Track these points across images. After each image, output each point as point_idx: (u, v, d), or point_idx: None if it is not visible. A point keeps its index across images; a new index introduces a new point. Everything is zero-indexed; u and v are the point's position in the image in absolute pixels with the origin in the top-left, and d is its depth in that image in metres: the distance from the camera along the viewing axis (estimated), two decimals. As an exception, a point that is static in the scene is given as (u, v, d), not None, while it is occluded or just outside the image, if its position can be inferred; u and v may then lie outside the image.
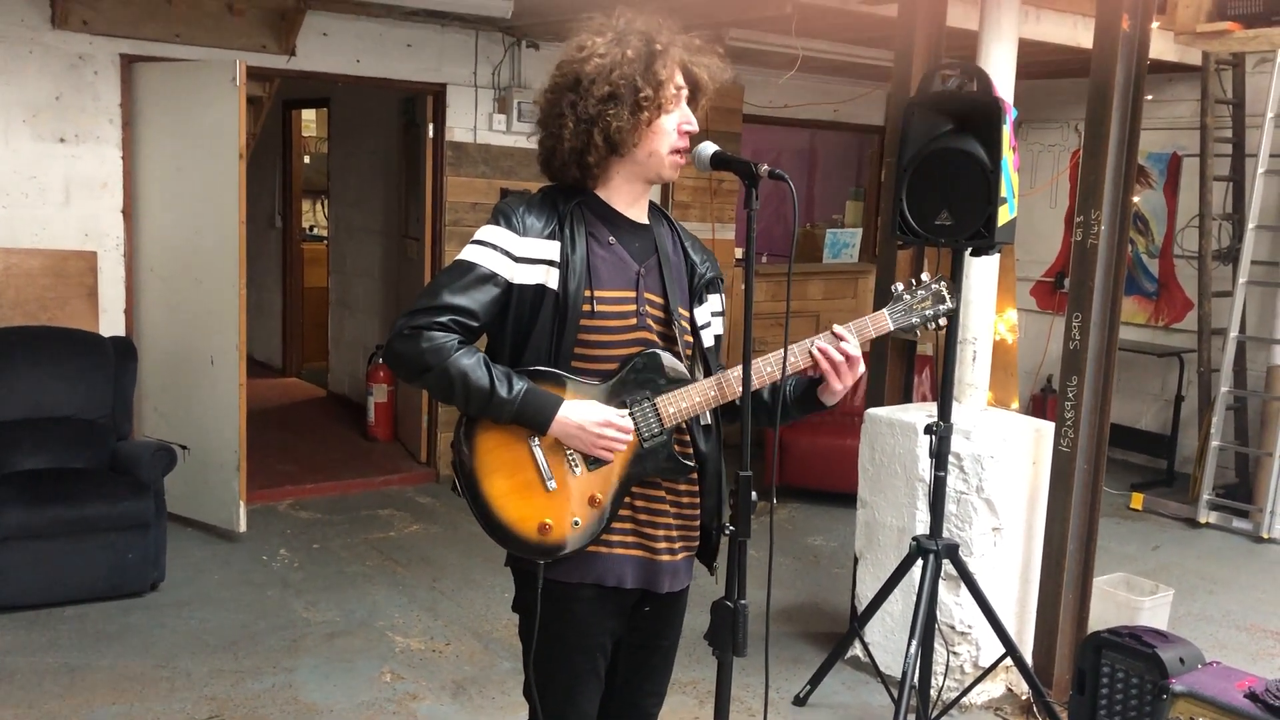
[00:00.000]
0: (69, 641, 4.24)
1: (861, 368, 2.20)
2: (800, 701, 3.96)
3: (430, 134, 6.54)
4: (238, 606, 4.66)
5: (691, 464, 2.19)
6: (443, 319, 2.06)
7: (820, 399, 2.25)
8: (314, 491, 6.34)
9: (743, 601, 2.07)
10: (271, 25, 5.83)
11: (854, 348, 2.17)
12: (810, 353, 2.17)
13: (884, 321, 2.27)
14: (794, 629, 4.65)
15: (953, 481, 3.88)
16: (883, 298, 4.06)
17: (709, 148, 2.12)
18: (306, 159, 10.29)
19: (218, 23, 5.67)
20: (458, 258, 2.13)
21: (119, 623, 4.43)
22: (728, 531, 2.08)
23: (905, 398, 4.43)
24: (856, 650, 4.13)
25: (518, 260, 2.10)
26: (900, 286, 2.30)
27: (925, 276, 2.32)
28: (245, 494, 5.42)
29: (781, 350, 2.13)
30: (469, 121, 6.54)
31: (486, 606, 4.78)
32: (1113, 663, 3.27)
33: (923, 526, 4.01)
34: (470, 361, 2.05)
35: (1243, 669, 3.21)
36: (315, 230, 10.55)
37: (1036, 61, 6.01)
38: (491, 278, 2.09)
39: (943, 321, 2.32)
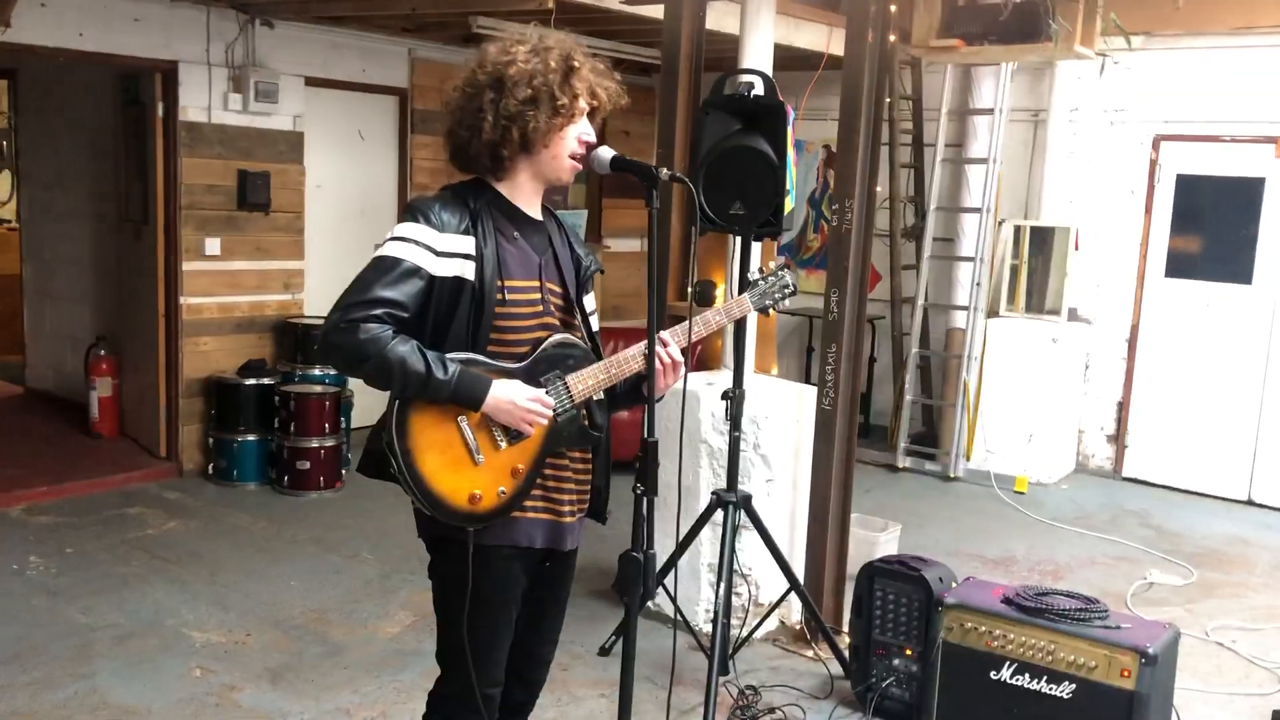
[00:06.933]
0: None
1: (682, 370, 2.47)
2: (605, 652, 4.31)
3: (160, 113, 6.25)
4: (4, 619, 4.38)
5: (598, 434, 2.46)
6: (376, 312, 2.20)
7: (643, 392, 2.48)
8: (48, 494, 5.94)
9: (652, 551, 2.36)
10: (-17, -7, 5.38)
11: (676, 352, 2.45)
12: (644, 354, 2.41)
13: (745, 305, 2.64)
14: (581, 589, 4.97)
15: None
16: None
17: (608, 152, 2.37)
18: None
19: (-79, -12, 5.17)
20: (381, 254, 2.27)
21: None
22: (638, 491, 2.36)
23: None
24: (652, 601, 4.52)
25: (439, 254, 2.27)
26: (756, 274, 2.67)
27: (774, 264, 2.70)
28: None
29: (640, 344, 2.40)
30: (203, 101, 6.32)
31: (276, 595, 4.76)
32: (884, 587, 3.83)
33: (705, 483, 4.45)
34: (406, 349, 2.20)
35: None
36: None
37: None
38: (416, 271, 2.25)
39: (788, 301, 2.71)
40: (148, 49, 6.05)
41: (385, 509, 5.82)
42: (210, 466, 6.43)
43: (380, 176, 7.51)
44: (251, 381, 6.37)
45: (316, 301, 6.94)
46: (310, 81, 6.81)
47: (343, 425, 6.41)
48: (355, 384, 6.49)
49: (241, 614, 4.55)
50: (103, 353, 6.96)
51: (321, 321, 6.74)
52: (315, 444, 6.21)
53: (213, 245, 6.42)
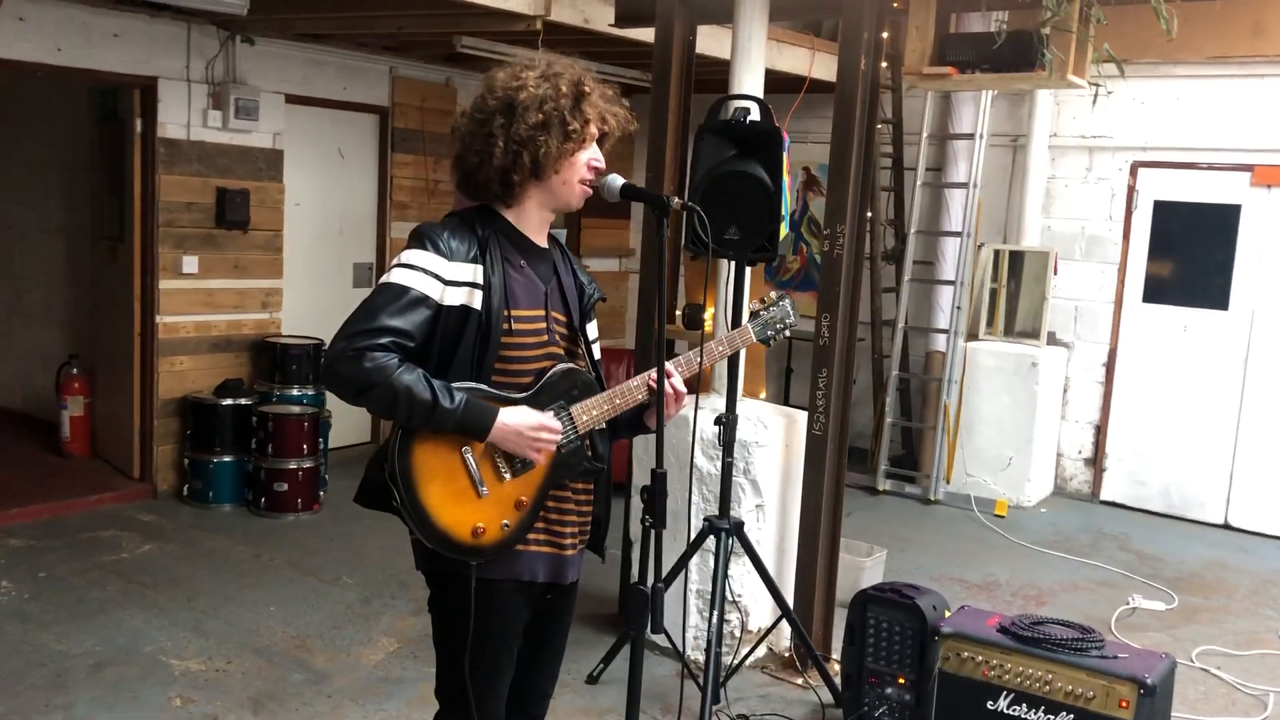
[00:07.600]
0: None
1: (686, 400, 2.45)
2: (593, 680, 4.25)
3: (139, 129, 6.17)
4: (-24, 646, 4.28)
5: (601, 465, 2.42)
6: (383, 340, 2.16)
7: (645, 423, 2.52)
8: (18, 516, 5.82)
9: (658, 585, 2.33)
10: (-39, 7, 5.30)
11: (679, 382, 2.42)
12: (648, 385, 2.40)
13: (749, 335, 2.62)
14: (566, 614, 4.92)
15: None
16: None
17: (618, 180, 2.35)
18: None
19: (-103, 1, 5.08)
20: (387, 280, 2.22)
21: None
22: (646, 523, 2.33)
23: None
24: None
25: (447, 283, 2.24)
26: (756, 305, 2.65)
27: (774, 295, 2.68)
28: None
29: (643, 374, 2.39)
30: (182, 117, 6.24)
31: (256, 621, 4.67)
32: (877, 615, 3.80)
33: (696, 508, 4.42)
34: (411, 377, 2.16)
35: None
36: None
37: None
38: (424, 300, 2.21)
39: (788, 331, 2.70)
40: (127, 65, 5.97)
41: (364, 532, 5.75)
42: (185, 488, 6.32)
43: (360, 195, 7.45)
44: (228, 401, 6.27)
45: (295, 320, 6.86)
46: (290, 99, 6.75)
47: (321, 446, 6.32)
48: (334, 404, 6.42)
49: (220, 640, 4.46)
50: (75, 371, 6.84)
51: (302, 341, 6.65)
52: (293, 465, 6.12)
53: (190, 263, 6.33)
